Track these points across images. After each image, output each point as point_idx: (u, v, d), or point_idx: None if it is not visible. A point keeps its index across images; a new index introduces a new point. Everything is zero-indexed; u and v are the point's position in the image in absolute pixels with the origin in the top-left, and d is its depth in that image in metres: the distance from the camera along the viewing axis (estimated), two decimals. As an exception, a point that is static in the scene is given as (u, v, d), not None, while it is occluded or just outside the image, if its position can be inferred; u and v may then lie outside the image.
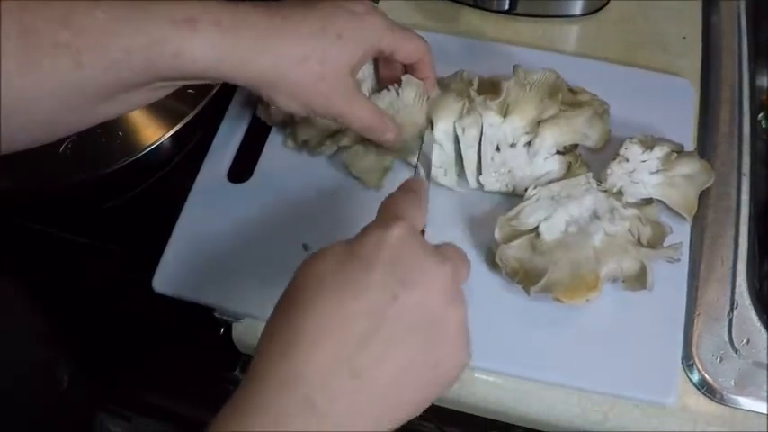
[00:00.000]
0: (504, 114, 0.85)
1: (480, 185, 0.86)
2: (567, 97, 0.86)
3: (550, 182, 0.84)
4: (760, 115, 1.13)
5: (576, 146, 0.86)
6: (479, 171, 0.85)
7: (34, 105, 0.63)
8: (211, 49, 0.66)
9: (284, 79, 0.71)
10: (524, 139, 0.85)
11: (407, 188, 0.65)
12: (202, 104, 0.91)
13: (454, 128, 0.85)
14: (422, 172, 0.78)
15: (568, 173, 0.84)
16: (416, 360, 0.55)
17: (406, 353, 0.54)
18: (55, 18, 0.61)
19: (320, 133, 0.87)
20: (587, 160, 0.86)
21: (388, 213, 0.61)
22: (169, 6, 0.65)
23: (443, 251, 0.59)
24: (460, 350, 0.58)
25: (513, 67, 0.86)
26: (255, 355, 0.55)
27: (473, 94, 0.85)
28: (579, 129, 0.86)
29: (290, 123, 0.88)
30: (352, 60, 0.74)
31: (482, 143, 0.85)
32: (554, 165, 0.85)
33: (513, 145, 0.85)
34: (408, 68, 0.84)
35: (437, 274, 0.56)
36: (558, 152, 0.85)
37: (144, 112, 0.93)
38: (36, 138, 0.67)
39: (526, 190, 0.83)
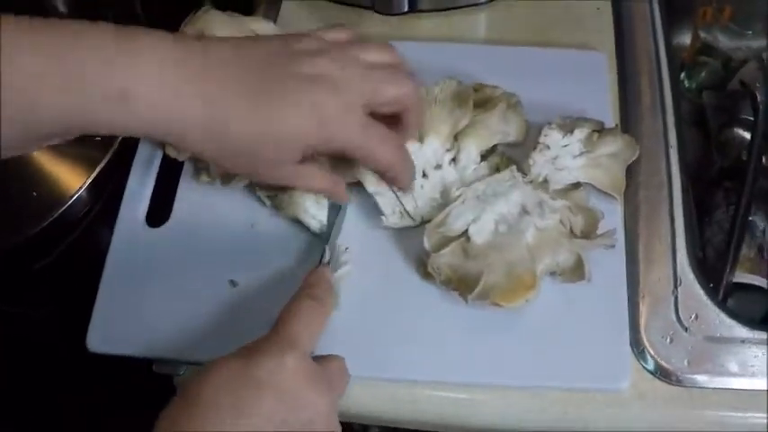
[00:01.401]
0: (420, 139, 0.82)
1: (421, 217, 0.82)
2: (473, 97, 0.84)
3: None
4: (682, 74, 1.11)
5: (495, 145, 0.84)
6: (416, 203, 0.82)
7: None
8: (142, 126, 0.63)
9: (217, 163, 0.73)
10: (448, 157, 0.83)
11: (308, 295, 0.68)
12: (113, 149, 0.88)
13: None
14: (327, 255, 0.76)
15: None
16: None
17: None
18: None
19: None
20: (511, 154, 0.84)
21: (285, 332, 0.63)
22: (104, 74, 0.59)
23: (328, 373, 0.64)
24: None
25: None
26: None
27: None
28: (496, 128, 0.84)
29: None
30: (294, 159, 0.69)
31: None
32: (483, 172, 0.82)
33: (438, 166, 0.82)
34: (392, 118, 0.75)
35: (321, 404, 0.61)
36: (482, 156, 0.83)
37: (54, 164, 0.90)
38: None
39: None
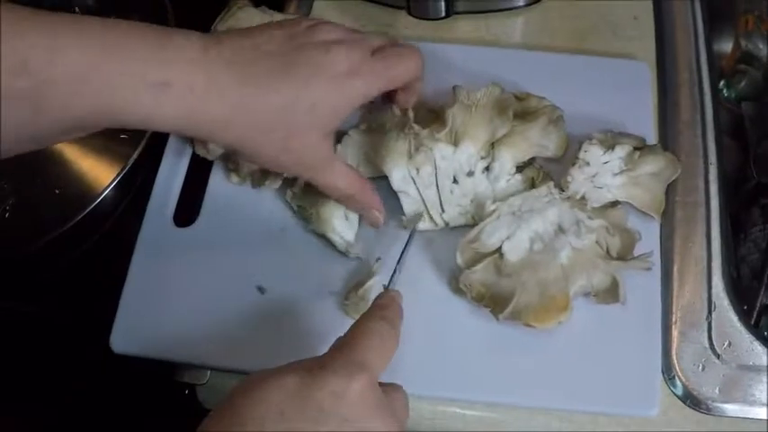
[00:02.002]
0: (455, 143, 0.80)
1: (446, 223, 0.81)
2: (515, 107, 0.82)
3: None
4: (721, 83, 1.09)
5: (533, 158, 0.83)
6: (442, 208, 0.81)
7: None
8: (178, 119, 0.62)
9: (248, 150, 0.68)
10: (481, 165, 0.81)
11: (379, 316, 0.62)
12: (142, 145, 0.86)
13: (408, 171, 0.81)
14: (397, 278, 0.74)
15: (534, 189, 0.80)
16: None
17: None
18: (14, 60, 0.55)
19: (264, 166, 0.82)
20: (548, 169, 0.83)
21: (353, 352, 0.57)
22: (144, 65, 0.60)
23: (393, 404, 0.57)
24: None
25: (453, 87, 0.81)
26: None
27: (416, 128, 0.79)
28: (535, 141, 0.82)
29: (231, 157, 0.84)
30: (325, 129, 0.70)
31: (438, 178, 0.80)
32: (517, 185, 0.81)
33: (470, 173, 0.81)
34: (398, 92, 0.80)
35: None
36: (518, 168, 0.81)
37: (79, 161, 0.89)
38: None
39: None
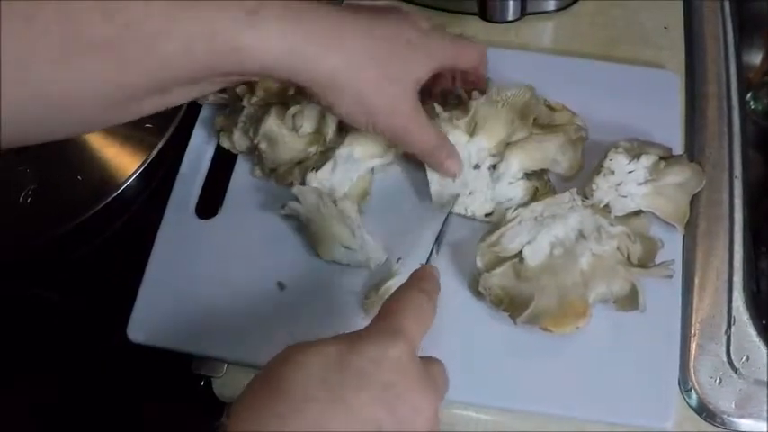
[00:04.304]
0: (472, 133, 0.80)
1: (440, 206, 0.81)
2: (543, 115, 0.82)
3: (510, 208, 0.80)
4: (748, 95, 1.08)
5: (545, 170, 0.83)
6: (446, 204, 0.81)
7: (70, 108, 0.58)
8: (276, 43, 0.61)
9: (353, 81, 0.66)
10: (489, 162, 0.81)
11: (418, 287, 0.61)
12: (167, 136, 0.86)
13: None
14: (435, 254, 0.74)
15: (533, 199, 0.80)
16: None
17: None
18: (97, 9, 0.54)
19: (288, 161, 0.82)
20: (557, 186, 0.83)
21: (391, 321, 0.57)
22: (233, 29, 0.60)
23: (433, 374, 0.56)
24: None
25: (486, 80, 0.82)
26: None
27: (438, 109, 0.79)
28: (550, 154, 0.82)
29: (255, 151, 0.84)
30: (420, 72, 0.71)
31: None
32: (517, 191, 0.81)
33: (476, 166, 0.80)
34: (462, 74, 0.82)
35: (424, 409, 0.53)
36: (526, 175, 0.81)
37: (103, 149, 0.89)
38: (66, 135, 0.63)
39: (486, 215, 0.80)
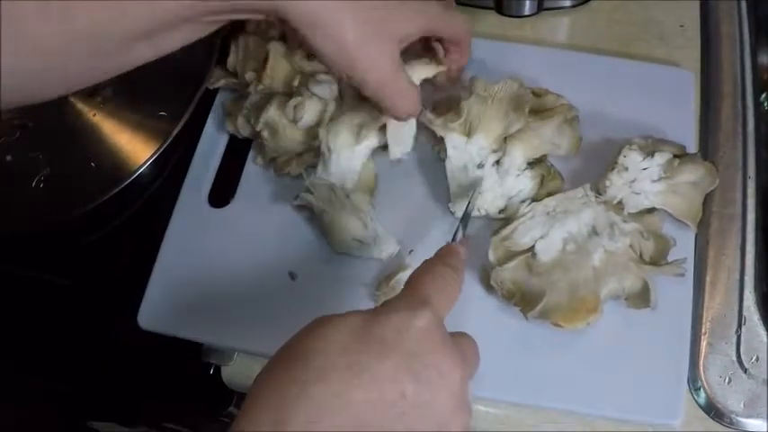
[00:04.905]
0: (468, 134, 0.80)
1: (451, 213, 0.81)
2: (531, 102, 0.81)
3: (523, 200, 0.80)
4: (763, 95, 1.08)
5: (545, 156, 0.82)
6: (448, 198, 0.81)
7: (68, 60, 0.58)
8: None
9: (337, 22, 0.66)
10: (492, 158, 0.81)
11: (444, 261, 0.61)
12: (181, 123, 0.86)
13: None
14: (461, 234, 0.73)
15: (542, 187, 0.80)
16: None
17: None
18: None
19: (288, 152, 0.83)
20: (558, 167, 0.83)
21: (416, 293, 0.57)
22: None
23: (461, 347, 0.56)
24: None
25: (471, 78, 0.81)
26: (246, 419, 0.50)
27: (430, 116, 0.80)
28: (548, 139, 0.81)
29: (258, 138, 0.84)
30: (408, 29, 0.71)
31: (447, 168, 0.81)
32: (525, 182, 0.81)
33: (480, 165, 0.80)
34: (445, 48, 0.80)
35: (452, 379, 0.52)
36: (529, 165, 0.81)
37: (116, 135, 0.90)
38: (71, 88, 0.64)
39: (500, 212, 0.80)
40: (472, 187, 0.79)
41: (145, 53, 0.64)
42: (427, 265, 0.61)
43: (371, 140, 0.81)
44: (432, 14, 0.73)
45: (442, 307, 0.57)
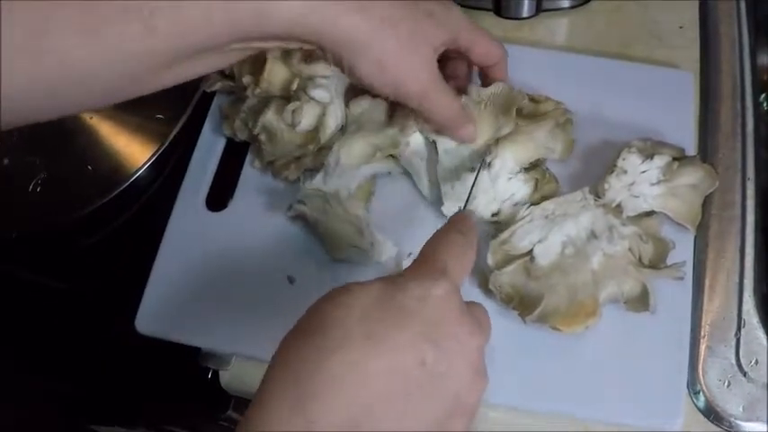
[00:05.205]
0: None
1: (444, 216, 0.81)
2: (528, 108, 0.81)
3: (516, 204, 0.80)
4: (762, 96, 1.08)
5: (542, 160, 0.82)
6: (441, 201, 0.81)
7: (94, 78, 0.58)
8: (298, 4, 0.61)
9: (374, 44, 0.66)
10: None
11: (456, 229, 0.60)
12: (178, 126, 0.86)
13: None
14: (469, 205, 0.73)
15: (536, 191, 0.80)
16: (430, 428, 0.51)
17: (422, 421, 0.50)
18: None
19: (285, 155, 0.82)
20: (553, 171, 0.82)
21: (433, 261, 0.56)
22: None
23: (477, 316, 0.56)
24: (470, 426, 0.54)
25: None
26: (265, 391, 0.50)
27: (420, 122, 0.79)
28: (541, 143, 0.81)
29: (256, 142, 0.84)
30: (439, 40, 0.70)
31: (438, 172, 0.80)
32: (518, 185, 0.80)
33: (472, 170, 0.80)
34: (482, 71, 0.81)
35: (470, 346, 0.53)
36: (524, 169, 0.81)
37: (113, 138, 0.90)
38: (87, 108, 0.65)
39: (493, 215, 0.80)
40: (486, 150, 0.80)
41: (173, 79, 0.63)
42: (440, 234, 0.60)
43: (381, 165, 0.82)
44: (460, 29, 0.72)
45: (459, 275, 0.56)
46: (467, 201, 0.73)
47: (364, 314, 0.50)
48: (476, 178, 0.77)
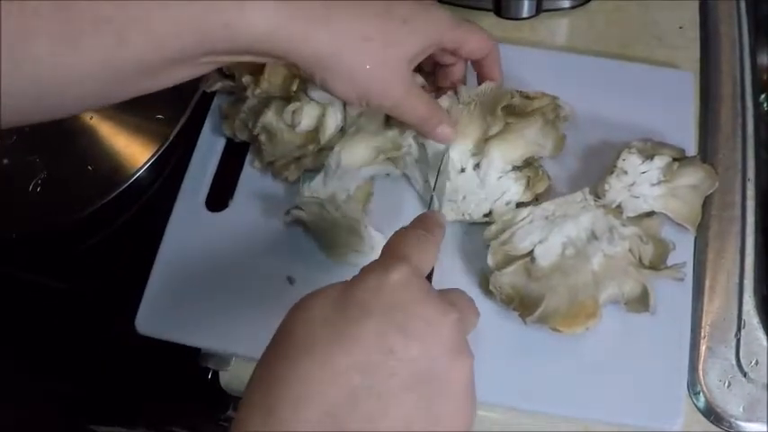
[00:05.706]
0: None
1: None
2: (519, 105, 0.80)
3: (508, 202, 0.80)
4: (762, 97, 1.07)
5: (535, 158, 0.82)
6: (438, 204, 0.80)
7: (67, 88, 0.58)
8: (265, 20, 0.61)
9: (343, 60, 0.66)
10: (473, 162, 0.80)
11: (418, 225, 0.60)
12: (178, 127, 0.85)
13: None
14: (437, 203, 0.73)
15: (528, 188, 0.80)
16: (414, 420, 0.49)
17: (402, 412, 0.49)
18: None
19: (285, 156, 0.82)
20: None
21: (391, 253, 0.56)
22: (220, 9, 0.60)
23: (449, 297, 0.54)
24: (465, 408, 0.52)
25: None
26: (242, 405, 0.50)
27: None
28: (532, 140, 0.81)
29: (256, 142, 0.84)
30: (414, 49, 0.70)
31: (429, 173, 0.80)
32: (509, 184, 0.80)
33: (462, 170, 0.80)
34: (475, 66, 0.80)
35: (441, 324, 0.51)
36: (516, 168, 0.80)
37: (114, 138, 0.89)
38: (59, 115, 0.63)
39: (485, 215, 0.80)
40: (443, 152, 0.79)
41: (148, 87, 0.63)
42: (401, 230, 0.59)
43: (381, 167, 0.82)
44: (440, 32, 0.72)
45: (420, 263, 0.55)
46: (431, 200, 0.74)
47: (325, 316, 0.50)
48: (437, 178, 0.77)
